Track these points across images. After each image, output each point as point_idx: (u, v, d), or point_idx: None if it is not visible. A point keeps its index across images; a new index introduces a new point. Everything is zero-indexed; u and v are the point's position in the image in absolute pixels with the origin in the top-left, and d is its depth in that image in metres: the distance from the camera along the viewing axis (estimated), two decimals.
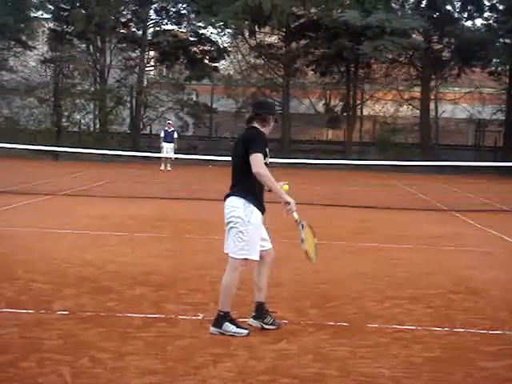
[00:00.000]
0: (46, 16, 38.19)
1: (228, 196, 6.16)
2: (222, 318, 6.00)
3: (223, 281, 6.12)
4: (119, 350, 5.45)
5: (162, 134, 29.48)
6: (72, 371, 4.97)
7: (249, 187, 6.09)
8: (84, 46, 38.11)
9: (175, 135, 29.39)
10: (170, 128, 29.49)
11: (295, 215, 6.28)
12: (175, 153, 28.30)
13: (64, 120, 37.64)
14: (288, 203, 6.13)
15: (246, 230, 6.04)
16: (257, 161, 5.92)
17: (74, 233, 11.26)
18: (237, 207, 6.07)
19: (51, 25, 38.17)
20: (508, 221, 15.15)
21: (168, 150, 28.51)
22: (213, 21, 35.74)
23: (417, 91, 38.71)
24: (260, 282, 6.30)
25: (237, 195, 6.11)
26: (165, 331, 6.02)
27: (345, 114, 38.92)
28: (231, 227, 6.10)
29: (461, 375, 5.19)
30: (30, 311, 6.47)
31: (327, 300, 7.32)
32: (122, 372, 4.98)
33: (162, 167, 28.08)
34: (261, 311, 6.26)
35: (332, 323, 6.45)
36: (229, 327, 5.96)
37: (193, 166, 29.48)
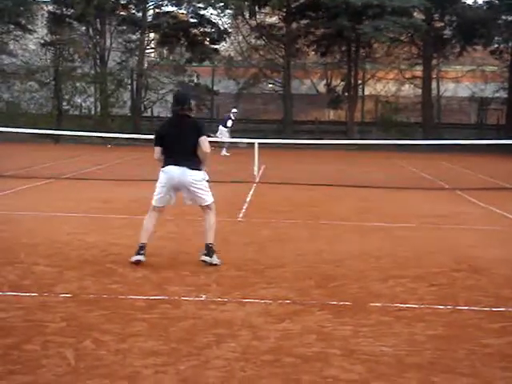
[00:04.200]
0: None
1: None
2: (212, 250, 7.82)
3: (213, 222, 7.98)
4: (122, 332, 5.45)
5: (230, 124, 28.11)
6: (75, 353, 4.98)
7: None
8: (84, 28, 37.91)
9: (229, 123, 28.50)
10: (235, 116, 28.52)
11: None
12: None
13: (65, 103, 37.59)
14: None
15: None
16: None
17: (76, 216, 11.26)
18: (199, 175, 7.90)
19: (50, 8, 37.97)
20: (511, 199, 15.11)
21: (227, 136, 27.56)
22: (213, 1, 35.58)
23: (418, 70, 38.56)
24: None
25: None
26: (168, 313, 6.02)
27: (346, 93, 38.82)
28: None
29: (464, 352, 5.19)
30: (33, 294, 6.48)
31: (330, 280, 7.32)
32: (125, 354, 4.99)
33: (226, 152, 27.00)
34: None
35: (335, 303, 6.45)
36: (215, 260, 7.80)
37: None
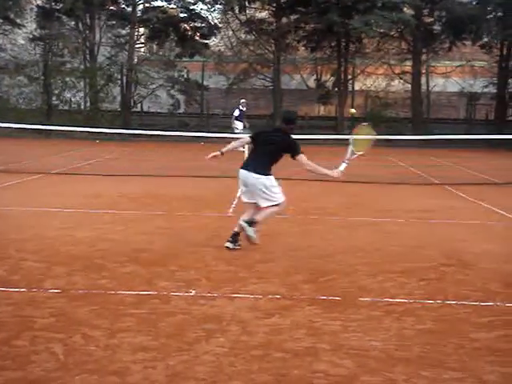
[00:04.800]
0: None
1: None
2: (254, 223, 8.39)
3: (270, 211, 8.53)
4: (112, 328, 5.45)
5: (237, 113, 27.99)
6: (64, 349, 4.97)
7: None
8: (73, 23, 37.71)
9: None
10: (244, 107, 28.26)
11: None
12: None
13: (54, 98, 37.40)
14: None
15: None
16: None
17: (65, 211, 11.22)
18: None
19: (39, 2, 37.77)
20: (500, 194, 15.17)
21: (240, 128, 27.27)
22: None
23: (408, 65, 38.56)
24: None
25: None
26: (157, 308, 6.02)
27: (336, 89, 38.78)
28: None
29: (452, 347, 5.22)
30: (21, 290, 6.46)
31: (320, 274, 7.33)
32: (114, 349, 4.99)
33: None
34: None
35: (325, 297, 6.46)
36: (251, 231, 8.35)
37: (184, 143, 29.40)
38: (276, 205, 8.54)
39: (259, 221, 8.52)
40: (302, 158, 8.68)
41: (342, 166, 9.00)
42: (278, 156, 8.66)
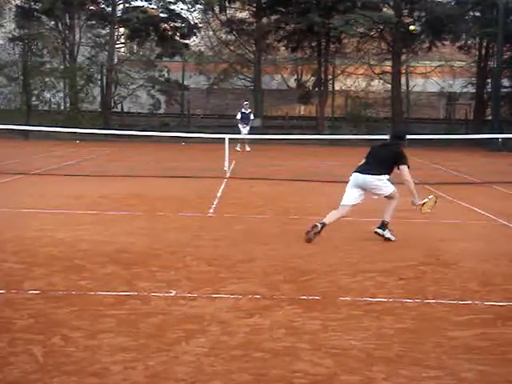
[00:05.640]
0: None
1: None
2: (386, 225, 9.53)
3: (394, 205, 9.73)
4: (91, 329, 5.43)
5: (239, 116, 27.89)
6: (43, 350, 4.95)
7: None
8: (52, 23, 37.56)
9: (251, 116, 28.16)
10: (247, 109, 28.13)
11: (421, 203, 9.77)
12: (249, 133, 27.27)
13: (34, 99, 37.20)
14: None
15: None
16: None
17: (45, 212, 11.17)
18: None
19: (18, 2, 37.56)
20: (479, 193, 15.29)
21: (244, 131, 27.35)
22: None
23: (388, 65, 38.78)
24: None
25: None
26: (137, 308, 6.01)
27: (316, 89, 38.91)
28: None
29: (431, 345, 5.26)
30: (0, 291, 6.42)
31: (300, 274, 7.35)
32: (94, 350, 4.98)
33: (238, 148, 26.79)
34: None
35: (305, 297, 6.48)
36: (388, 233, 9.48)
37: (165, 143, 29.36)
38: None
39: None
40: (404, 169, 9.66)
41: (418, 200, 9.77)
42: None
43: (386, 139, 10.49)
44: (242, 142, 27.38)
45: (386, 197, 9.77)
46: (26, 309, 5.90)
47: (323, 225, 9.21)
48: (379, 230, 9.51)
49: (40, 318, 5.66)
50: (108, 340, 5.19)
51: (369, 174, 9.59)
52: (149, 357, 4.87)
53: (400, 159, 9.66)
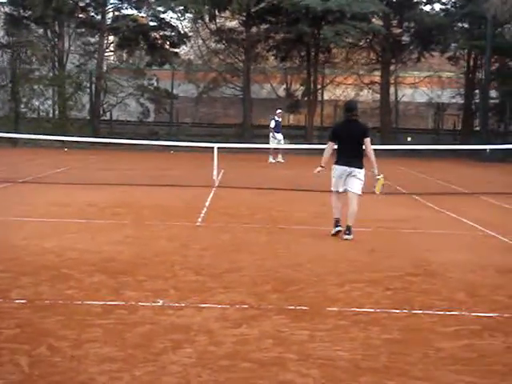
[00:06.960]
0: (1, 0, 37.48)
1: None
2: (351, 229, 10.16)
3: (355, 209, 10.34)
4: (78, 338, 5.41)
5: (273, 125, 26.67)
6: (29, 360, 4.92)
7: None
8: (42, 30, 37.41)
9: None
10: (280, 117, 27.15)
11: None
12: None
13: (22, 106, 37.04)
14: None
15: None
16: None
17: (33, 221, 11.13)
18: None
19: (7, 9, 37.45)
20: (467, 203, 15.34)
21: (280, 140, 26.46)
22: (172, 5, 35.45)
23: (377, 75, 38.91)
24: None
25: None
26: (124, 318, 5.99)
27: (306, 98, 38.97)
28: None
29: (418, 356, 5.26)
30: None
31: (288, 284, 7.35)
32: (80, 360, 4.95)
33: (271, 159, 26.13)
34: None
35: (292, 307, 6.48)
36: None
37: (154, 151, 29.34)
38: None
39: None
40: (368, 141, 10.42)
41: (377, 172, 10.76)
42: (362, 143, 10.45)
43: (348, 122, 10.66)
44: (276, 152, 26.54)
45: (350, 194, 10.45)
46: (12, 318, 5.87)
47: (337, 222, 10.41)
48: (348, 237, 10.15)
49: (26, 328, 5.63)
50: (95, 350, 5.16)
51: (356, 167, 10.44)
52: (136, 367, 4.86)
53: (367, 132, 10.55)
